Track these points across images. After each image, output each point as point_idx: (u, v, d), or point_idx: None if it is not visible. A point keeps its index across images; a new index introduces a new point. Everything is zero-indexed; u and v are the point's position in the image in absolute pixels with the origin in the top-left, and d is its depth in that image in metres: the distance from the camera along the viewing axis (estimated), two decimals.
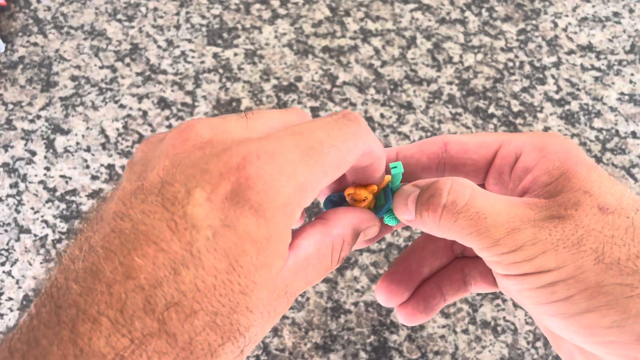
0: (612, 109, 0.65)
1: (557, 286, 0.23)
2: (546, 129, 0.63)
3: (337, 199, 0.30)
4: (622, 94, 0.66)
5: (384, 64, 0.67)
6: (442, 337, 0.51)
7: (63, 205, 0.57)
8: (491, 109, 0.64)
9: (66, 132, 0.61)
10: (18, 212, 0.56)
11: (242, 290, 0.20)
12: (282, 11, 0.70)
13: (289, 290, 0.22)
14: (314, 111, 0.63)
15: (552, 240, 0.23)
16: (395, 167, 0.28)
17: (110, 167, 0.59)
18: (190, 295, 0.19)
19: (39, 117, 0.62)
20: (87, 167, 0.59)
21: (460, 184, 0.26)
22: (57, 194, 0.57)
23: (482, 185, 0.31)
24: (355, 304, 0.53)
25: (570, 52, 0.69)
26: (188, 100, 0.63)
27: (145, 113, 0.62)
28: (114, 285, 0.18)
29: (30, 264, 0.54)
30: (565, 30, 0.71)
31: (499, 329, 0.52)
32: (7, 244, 0.55)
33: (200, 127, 0.22)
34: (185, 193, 0.20)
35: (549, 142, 0.26)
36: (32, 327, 0.18)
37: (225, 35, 0.68)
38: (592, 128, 0.63)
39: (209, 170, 0.20)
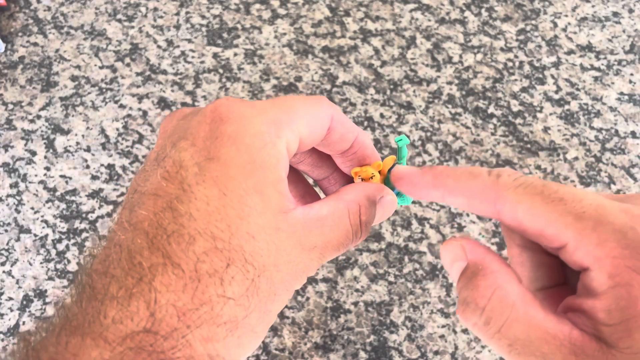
0: (612, 109, 0.65)
1: None
2: (546, 129, 0.63)
3: None
4: (621, 93, 0.66)
5: (383, 64, 0.67)
6: (442, 336, 0.52)
7: (63, 205, 0.57)
8: (491, 109, 0.64)
9: (66, 132, 0.61)
10: (18, 212, 0.56)
11: (237, 214, 0.21)
12: (282, 11, 0.70)
13: (304, 242, 0.23)
14: None
15: None
16: (401, 139, 0.28)
17: (110, 167, 0.59)
18: (187, 223, 0.21)
19: (39, 117, 0.62)
20: (87, 167, 0.59)
21: (500, 300, 0.20)
22: (57, 193, 0.57)
23: None
24: (355, 303, 0.53)
25: (570, 52, 0.69)
26: (188, 100, 0.63)
27: (145, 113, 0.62)
28: (123, 242, 0.21)
29: (30, 264, 0.54)
30: (564, 30, 0.71)
31: None
32: (7, 243, 0.55)
33: (182, 108, 0.26)
34: (172, 147, 0.23)
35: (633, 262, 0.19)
36: (67, 303, 0.21)
37: (225, 35, 0.68)
38: (591, 128, 0.63)
39: (190, 126, 0.23)
